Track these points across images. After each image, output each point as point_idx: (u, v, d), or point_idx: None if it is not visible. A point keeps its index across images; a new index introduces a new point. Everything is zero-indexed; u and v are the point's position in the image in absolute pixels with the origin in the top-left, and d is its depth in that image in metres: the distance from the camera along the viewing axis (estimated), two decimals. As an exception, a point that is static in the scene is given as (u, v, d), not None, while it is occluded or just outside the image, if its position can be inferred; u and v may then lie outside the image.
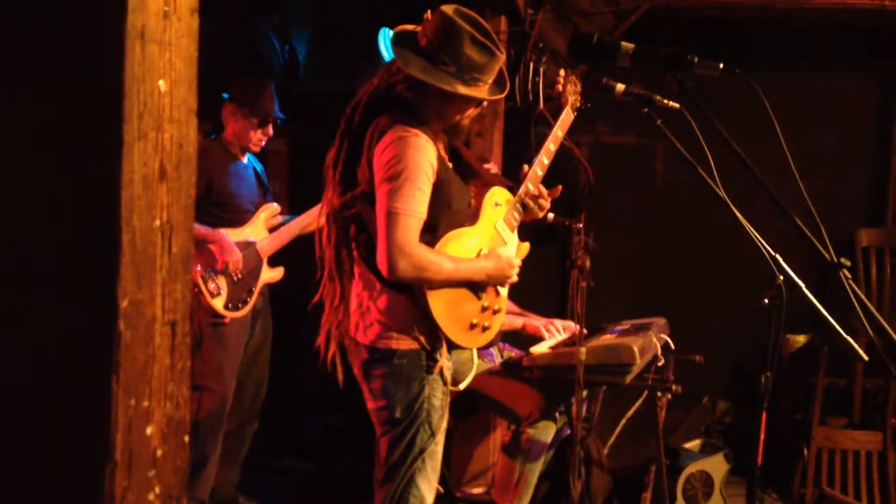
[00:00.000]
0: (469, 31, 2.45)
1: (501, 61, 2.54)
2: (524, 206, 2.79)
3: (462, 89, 2.46)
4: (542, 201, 2.81)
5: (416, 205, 2.35)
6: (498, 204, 2.69)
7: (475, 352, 2.62)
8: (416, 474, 2.50)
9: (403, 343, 2.45)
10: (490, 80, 2.54)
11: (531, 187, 2.79)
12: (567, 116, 2.98)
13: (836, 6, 4.69)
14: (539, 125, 4.73)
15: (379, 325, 2.48)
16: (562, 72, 3.04)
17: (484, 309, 2.55)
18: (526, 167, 2.83)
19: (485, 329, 2.56)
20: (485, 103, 2.60)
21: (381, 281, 2.48)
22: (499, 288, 2.62)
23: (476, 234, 2.59)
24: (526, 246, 2.81)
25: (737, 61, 2.06)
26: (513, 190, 4.05)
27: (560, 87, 3.04)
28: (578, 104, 3.04)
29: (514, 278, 2.64)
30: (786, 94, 5.27)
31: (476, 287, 2.52)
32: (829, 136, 5.41)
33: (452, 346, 2.51)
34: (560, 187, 2.89)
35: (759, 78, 2.08)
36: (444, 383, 2.52)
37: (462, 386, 2.56)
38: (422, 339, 2.43)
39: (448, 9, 2.47)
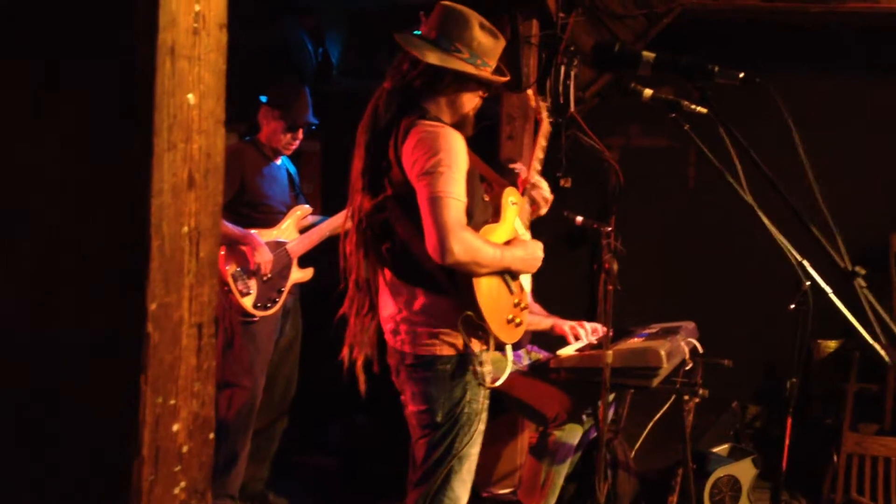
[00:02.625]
0: (477, 17, 2.57)
1: (503, 45, 2.62)
2: (532, 201, 2.97)
3: (475, 72, 2.55)
4: (543, 192, 2.99)
5: (458, 189, 2.39)
6: (514, 202, 2.77)
7: (509, 349, 2.65)
8: (452, 476, 2.53)
9: (447, 349, 2.48)
10: (493, 65, 2.62)
11: (533, 180, 3.00)
12: (546, 127, 3.19)
13: (869, 10, 4.66)
14: (570, 128, 4.75)
15: (420, 332, 2.50)
16: (530, 92, 3.35)
17: (516, 304, 2.60)
18: (522, 174, 3.04)
19: (518, 325, 2.61)
20: (485, 94, 2.70)
21: (417, 285, 2.50)
22: (522, 283, 2.67)
23: (503, 229, 2.65)
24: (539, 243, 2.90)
25: (769, 64, 2.08)
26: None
27: (534, 104, 3.27)
28: (551, 119, 3.26)
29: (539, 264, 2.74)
30: (819, 97, 5.24)
31: (508, 282, 2.57)
32: (863, 140, 5.36)
33: (497, 343, 2.54)
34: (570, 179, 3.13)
35: (792, 80, 2.09)
36: (485, 387, 2.55)
37: (499, 383, 2.59)
38: (465, 341, 2.46)
39: (447, 3, 2.56)
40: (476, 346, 2.50)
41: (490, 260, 2.44)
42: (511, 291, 2.59)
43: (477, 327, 2.46)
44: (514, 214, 2.75)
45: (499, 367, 3.93)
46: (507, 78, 2.71)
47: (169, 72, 1.00)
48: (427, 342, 2.49)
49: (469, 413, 2.51)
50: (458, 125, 2.62)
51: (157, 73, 0.98)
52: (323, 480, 4.75)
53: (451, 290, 2.46)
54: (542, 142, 3.11)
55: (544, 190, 2.98)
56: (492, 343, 2.50)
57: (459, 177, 2.40)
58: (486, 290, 2.47)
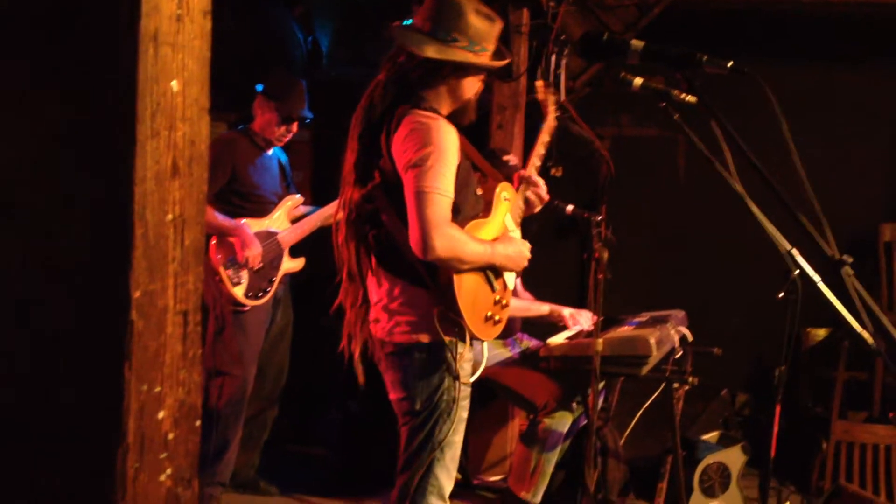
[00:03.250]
0: (471, 1, 2.53)
1: (500, 27, 2.59)
2: (526, 201, 2.86)
3: (475, 60, 2.52)
4: (541, 192, 2.88)
5: (445, 185, 2.37)
6: (507, 199, 2.73)
7: (486, 346, 2.63)
8: (435, 464, 2.52)
9: (424, 336, 2.47)
10: (492, 49, 2.59)
11: (534, 178, 2.87)
12: (551, 122, 3.06)
13: (861, 0, 4.67)
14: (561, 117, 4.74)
15: (399, 320, 2.49)
16: (540, 83, 3.14)
17: (496, 302, 2.58)
18: (523, 171, 2.91)
19: (496, 322, 2.59)
20: (486, 78, 2.66)
21: (399, 275, 2.50)
22: (506, 281, 2.65)
23: (491, 225, 2.62)
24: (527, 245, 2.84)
25: (762, 53, 2.07)
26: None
27: (541, 96, 3.11)
28: (557, 113, 3.12)
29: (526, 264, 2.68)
30: (809, 87, 5.25)
31: (491, 279, 2.55)
32: (852, 130, 5.37)
33: (472, 339, 2.53)
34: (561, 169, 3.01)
35: (783, 71, 2.09)
36: (459, 376, 2.52)
37: (473, 378, 2.58)
38: (442, 332, 2.45)
39: None
40: (452, 337, 2.48)
41: (474, 256, 2.42)
42: (493, 289, 2.56)
43: (453, 322, 2.45)
44: (505, 210, 2.71)
45: (479, 360, 3.93)
46: (508, 60, 2.68)
47: (152, 59, 0.99)
48: (405, 330, 2.49)
49: (448, 400, 2.49)
50: (459, 111, 2.61)
51: (140, 59, 0.98)
52: (314, 469, 4.75)
53: (430, 283, 2.45)
54: (544, 137, 3.02)
55: (542, 189, 2.92)
56: (467, 338, 2.48)
57: (447, 172, 2.38)
58: (467, 287, 2.45)
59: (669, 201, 5.62)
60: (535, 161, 2.95)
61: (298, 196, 4.20)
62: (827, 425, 4.65)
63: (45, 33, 0.99)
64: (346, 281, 2.61)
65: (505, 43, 4.38)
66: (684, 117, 2.43)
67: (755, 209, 2.18)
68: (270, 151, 4.12)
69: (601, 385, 3.70)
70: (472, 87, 2.60)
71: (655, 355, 3.50)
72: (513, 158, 4.14)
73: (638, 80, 2.62)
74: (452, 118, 2.66)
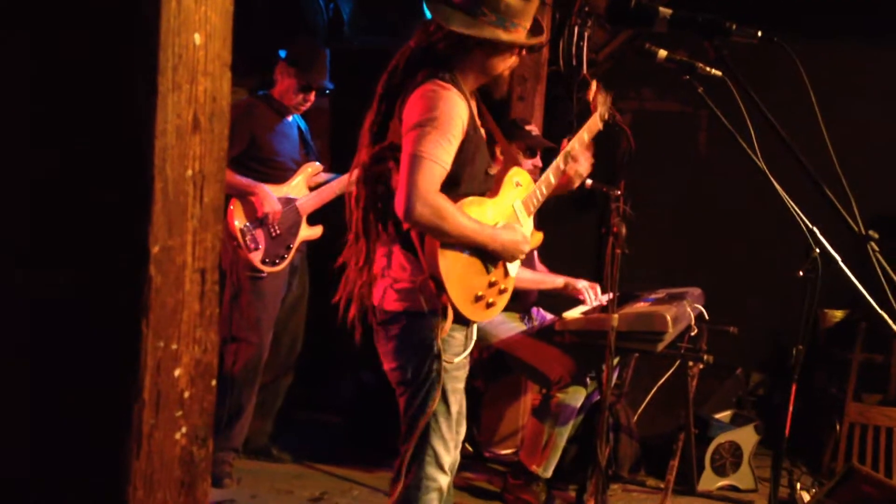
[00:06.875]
0: None
1: (536, 4, 2.54)
2: (564, 165, 2.78)
3: (504, 36, 2.46)
4: (580, 168, 2.81)
5: (441, 153, 2.34)
6: (519, 184, 2.66)
7: (474, 329, 2.59)
8: (431, 434, 2.50)
9: (415, 305, 2.45)
10: (527, 26, 2.53)
11: (575, 152, 2.81)
12: (594, 124, 2.96)
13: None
14: (581, 90, 4.70)
15: (392, 288, 2.47)
16: (593, 84, 3.04)
17: (491, 284, 2.53)
18: (566, 140, 2.84)
19: (489, 305, 2.53)
20: (523, 52, 2.60)
21: (395, 240, 2.48)
22: (508, 268, 2.59)
23: (494, 207, 2.57)
24: (539, 235, 2.77)
25: (786, 26, 2.03)
26: (553, 152, 4.01)
27: (590, 96, 3.01)
28: (606, 117, 3.01)
29: (523, 257, 2.63)
30: (837, 65, 5.18)
31: (487, 260, 2.50)
32: (880, 105, 5.31)
33: (458, 317, 2.47)
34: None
35: (808, 44, 2.05)
36: (441, 351, 2.48)
37: (458, 359, 2.53)
38: (424, 302, 2.42)
39: None
40: (442, 307, 2.43)
41: (459, 231, 2.37)
42: (488, 270, 2.52)
43: (437, 295, 2.41)
44: (516, 196, 2.65)
45: (499, 330, 3.90)
46: (542, 39, 2.61)
47: (174, 10, 0.98)
48: (394, 298, 2.46)
49: (438, 370, 2.44)
50: (490, 85, 2.58)
51: (163, 10, 0.96)
52: (327, 436, 4.78)
53: (420, 250, 2.42)
54: (583, 135, 2.88)
55: (582, 165, 2.84)
56: (449, 313, 2.43)
57: (446, 141, 2.35)
58: (455, 263, 2.41)
59: (689, 177, 5.58)
60: (583, 137, 2.87)
61: (318, 163, 4.18)
62: (841, 406, 4.63)
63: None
64: (352, 240, 2.60)
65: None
66: (707, 92, 2.40)
67: (777, 186, 2.15)
68: (290, 118, 4.10)
69: (616, 361, 3.68)
70: (502, 62, 2.54)
71: (671, 332, 3.48)
72: (534, 129, 4.11)
73: (662, 52, 2.58)
74: (483, 91, 2.62)
